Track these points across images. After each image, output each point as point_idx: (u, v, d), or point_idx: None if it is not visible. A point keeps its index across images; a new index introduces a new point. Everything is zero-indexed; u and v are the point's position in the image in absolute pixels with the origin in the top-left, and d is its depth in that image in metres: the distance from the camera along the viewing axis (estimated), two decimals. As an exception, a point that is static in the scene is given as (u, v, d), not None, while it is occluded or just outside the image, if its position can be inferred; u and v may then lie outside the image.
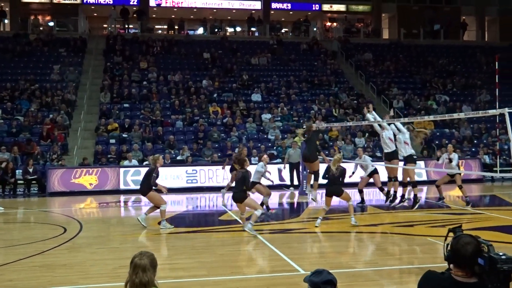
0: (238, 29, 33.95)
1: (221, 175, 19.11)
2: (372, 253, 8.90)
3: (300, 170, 17.62)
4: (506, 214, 12.75)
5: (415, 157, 12.04)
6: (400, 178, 12.20)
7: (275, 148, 21.03)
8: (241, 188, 10.34)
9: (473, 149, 23.23)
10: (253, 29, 32.76)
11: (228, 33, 32.47)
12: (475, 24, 36.37)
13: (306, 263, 8.17)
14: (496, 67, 19.90)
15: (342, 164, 11.18)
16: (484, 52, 31.81)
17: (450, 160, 13.99)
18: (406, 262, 8.39)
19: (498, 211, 13.35)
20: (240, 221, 11.96)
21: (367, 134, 23.50)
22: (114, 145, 20.61)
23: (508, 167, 21.04)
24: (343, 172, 10.84)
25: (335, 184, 10.83)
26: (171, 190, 18.47)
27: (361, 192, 14.83)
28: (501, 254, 3.01)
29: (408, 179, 11.96)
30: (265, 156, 13.44)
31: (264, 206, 12.72)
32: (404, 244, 9.63)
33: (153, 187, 11.57)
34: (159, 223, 11.46)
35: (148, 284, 3.47)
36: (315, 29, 33.62)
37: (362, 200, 14.86)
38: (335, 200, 11.81)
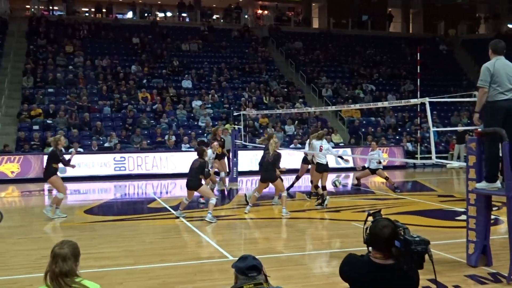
0: (169, 14, 33.35)
1: (150, 162, 18.95)
2: (299, 238, 9.07)
3: (230, 157, 17.68)
4: (426, 199, 13.27)
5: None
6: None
7: (205, 135, 20.99)
8: (197, 176, 10.47)
9: (397, 137, 24.10)
10: (184, 14, 32.32)
11: (158, 18, 31.85)
12: (400, 16, 37.48)
13: (235, 249, 8.23)
14: (418, 58, 20.70)
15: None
16: (409, 43, 32.90)
17: (380, 162, 14.53)
18: (331, 246, 8.61)
19: (419, 196, 13.89)
20: (170, 209, 11.92)
21: (296, 121, 23.92)
22: (37, 132, 19.94)
23: (429, 154, 22.01)
24: (278, 157, 10.92)
25: (269, 170, 10.91)
26: (99, 178, 18.21)
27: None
28: (415, 236, 3.11)
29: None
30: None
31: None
32: (330, 229, 9.88)
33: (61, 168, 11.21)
34: (47, 210, 11.04)
35: (69, 274, 3.35)
36: (246, 16, 33.57)
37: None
38: (271, 187, 11.91)
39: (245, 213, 11.24)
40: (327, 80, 28.02)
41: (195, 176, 10.54)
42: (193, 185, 10.57)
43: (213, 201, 10.57)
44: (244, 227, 10.52)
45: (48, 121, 20.84)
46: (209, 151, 12.63)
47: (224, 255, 7.84)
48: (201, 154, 10.70)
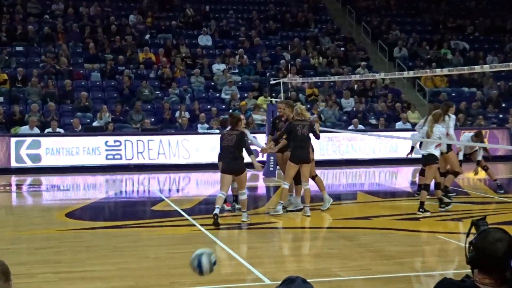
0: None
1: (155, 148, 19.12)
2: (362, 256, 8.99)
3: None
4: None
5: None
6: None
7: (231, 111, 21.02)
8: (238, 154, 11.01)
9: (500, 115, 23.81)
10: None
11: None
12: None
13: (274, 269, 8.23)
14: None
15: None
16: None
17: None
18: (409, 267, 8.52)
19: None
20: (184, 213, 11.98)
21: (357, 93, 23.89)
22: (2, 105, 20.25)
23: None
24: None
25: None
26: (85, 170, 18.46)
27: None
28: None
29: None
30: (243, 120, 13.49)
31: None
32: (406, 244, 9.80)
33: None
34: None
35: None
36: None
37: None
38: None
39: (273, 214, 11.66)
40: (400, 36, 27.75)
41: (235, 154, 10.90)
42: (235, 167, 10.91)
43: (245, 196, 11.04)
44: (283, 238, 10.50)
45: (17, 91, 21.18)
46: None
47: (258, 278, 7.84)
48: (236, 124, 11.05)
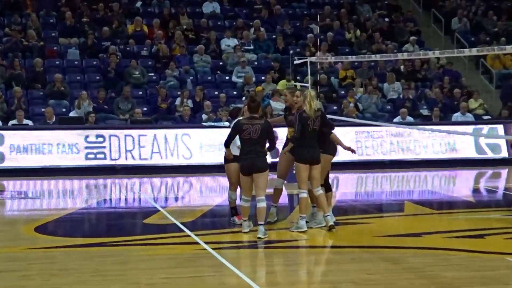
0: None
1: (148, 145, 19.16)
2: (411, 283, 8.94)
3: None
4: None
5: None
6: None
7: (244, 98, 21.06)
8: (262, 148, 11.34)
9: None
10: None
11: None
12: None
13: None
14: None
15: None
16: None
17: None
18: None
19: None
20: (185, 228, 12.02)
21: (405, 76, 23.95)
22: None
23: None
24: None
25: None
26: (59, 172, 18.52)
27: None
28: None
29: None
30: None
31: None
32: (466, 268, 9.74)
33: None
34: None
35: None
36: None
37: None
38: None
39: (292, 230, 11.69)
40: (460, 3, 27.62)
41: (257, 149, 11.20)
42: (258, 164, 11.17)
43: (263, 204, 11.25)
44: (309, 260, 10.52)
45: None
46: None
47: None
48: (258, 109, 11.39)
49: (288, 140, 11.93)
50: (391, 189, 18.61)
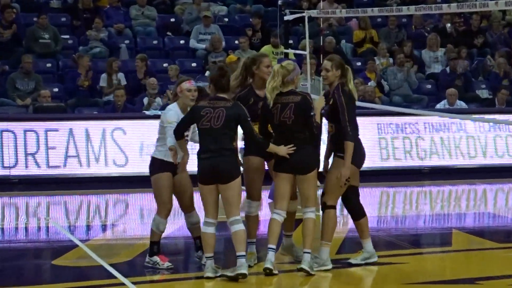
0: None
1: (61, 146, 19.11)
2: None
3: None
4: None
5: None
6: None
7: (208, 73, 21.10)
8: (229, 146, 11.51)
9: None
10: None
11: None
12: None
13: None
14: None
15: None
16: None
17: None
18: None
19: None
20: (116, 273, 12.08)
21: (453, 39, 24.23)
22: None
23: None
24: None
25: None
26: None
27: None
28: None
29: None
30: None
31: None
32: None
33: None
34: None
35: None
36: None
37: None
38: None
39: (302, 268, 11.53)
40: None
41: (222, 145, 11.30)
42: (222, 168, 11.25)
43: (240, 226, 11.39)
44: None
45: None
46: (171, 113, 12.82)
47: None
48: (227, 85, 11.49)
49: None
50: (431, 211, 18.53)
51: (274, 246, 11.59)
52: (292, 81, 11.70)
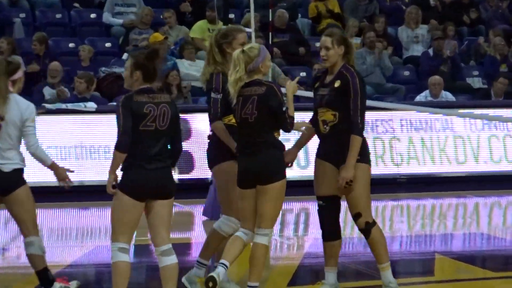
0: None
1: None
2: None
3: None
4: None
5: None
6: None
7: (127, 56, 21.35)
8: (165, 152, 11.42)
9: None
10: None
11: None
12: None
13: None
14: None
15: None
16: None
17: None
18: None
19: None
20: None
21: (437, 14, 24.66)
22: None
23: None
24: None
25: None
26: None
27: None
28: None
29: None
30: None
31: None
32: None
33: None
34: None
35: None
36: None
37: None
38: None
39: None
40: None
41: (162, 153, 11.21)
42: (167, 182, 11.28)
43: (173, 259, 11.18)
44: None
45: None
46: None
47: None
48: (154, 73, 11.25)
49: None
50: (409, 231, 18.84)
51: (228, 263, 11.57)
52: (258, 69, 11.61)
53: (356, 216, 11.99)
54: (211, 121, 12.11)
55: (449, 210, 20.18)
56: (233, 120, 11.88)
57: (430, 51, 23.33)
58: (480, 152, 21.09)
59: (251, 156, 11.68)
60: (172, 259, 11.14)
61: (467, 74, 22.98)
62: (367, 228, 12.07)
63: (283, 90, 11.79)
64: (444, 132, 20.96)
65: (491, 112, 20.95)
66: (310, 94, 13.89)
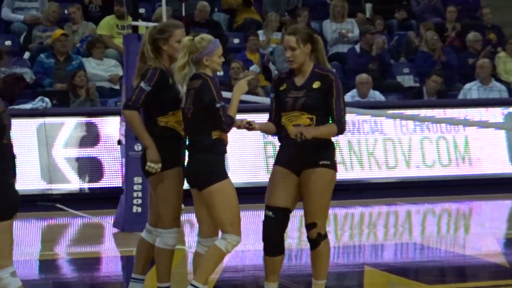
0: None
1: None
2: None
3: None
4: None
5: None
6: None
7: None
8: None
9: None
10: None
11: None
12: None
13: None
14: None
15: None
16: None
17: None
18: None
19: None
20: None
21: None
22: None
23: None
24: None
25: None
26: None
27: None
28: None
29: None
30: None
31: None
32: None
33: None
34: None
35: None
36: None
37: None
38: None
39: None
40: None
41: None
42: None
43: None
44: None
45: None
46: None
47: None
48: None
49: None
50: (336, 242, 18.57)
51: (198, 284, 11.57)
52: (201, 62, 11.59)
53: (310, 225, 11.94)
54: (127, 107, 11.94)
55: (379, 218, 20.20)
56: (170, 122, 11.97)
57: (357, 48, 23.16)
58: (412, 155, 21.24)
59: (188, 157, 11.87)
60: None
61: (398, 71, 23.03)
62: (317, 240, 12.06)
63: None
64: (373, 134, 21.09)
65: (423, 112, 21.12)
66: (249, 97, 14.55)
